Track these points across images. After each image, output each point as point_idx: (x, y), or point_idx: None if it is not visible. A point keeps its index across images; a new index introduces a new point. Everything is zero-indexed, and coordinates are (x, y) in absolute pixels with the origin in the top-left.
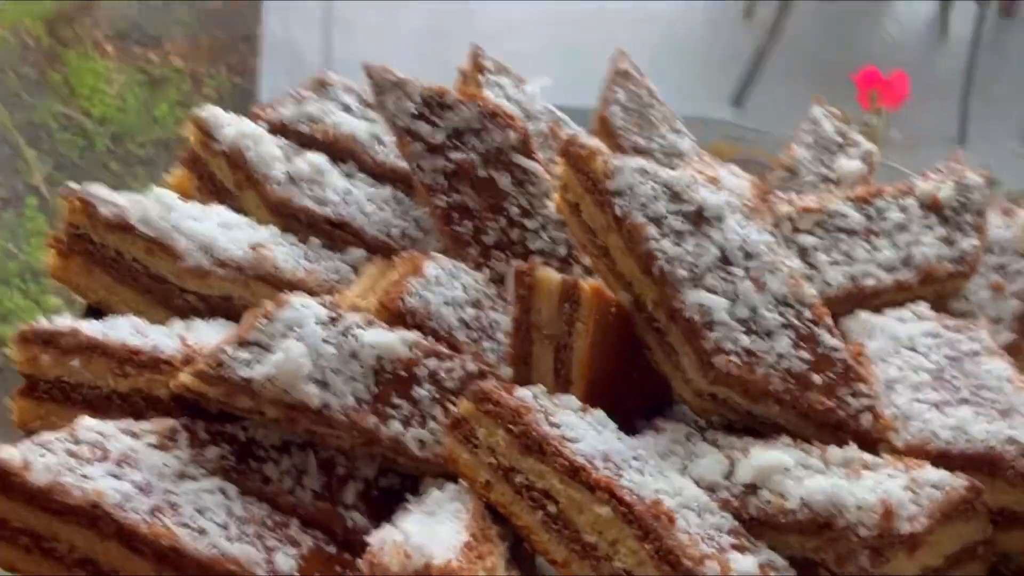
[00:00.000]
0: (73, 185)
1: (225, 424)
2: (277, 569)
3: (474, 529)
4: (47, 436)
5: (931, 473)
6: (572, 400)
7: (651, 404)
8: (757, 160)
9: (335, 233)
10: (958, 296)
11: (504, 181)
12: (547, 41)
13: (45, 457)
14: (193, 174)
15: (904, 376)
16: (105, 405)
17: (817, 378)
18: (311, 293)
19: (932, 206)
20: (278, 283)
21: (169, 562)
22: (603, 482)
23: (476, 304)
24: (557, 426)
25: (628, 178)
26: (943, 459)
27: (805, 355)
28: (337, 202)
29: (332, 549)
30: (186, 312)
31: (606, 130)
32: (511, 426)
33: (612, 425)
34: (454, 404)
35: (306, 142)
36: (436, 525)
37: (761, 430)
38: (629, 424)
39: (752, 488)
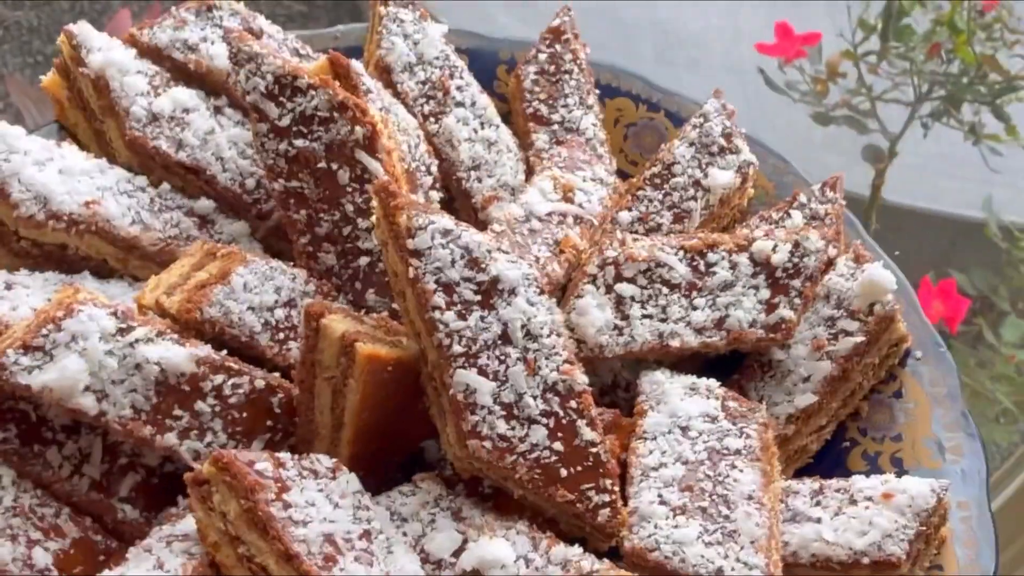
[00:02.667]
0: None
1: (20, 400)
2: (33, 563)
3: None
4: None
5: None
6: (323, 461)
7: (426, 436)
8: (657, 127)
9: (188, 178)
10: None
11: (344, 176)
12: None
13: None
14: (64, 82)
15: (663, 464)
16: None
17: (564, 471)
18: (144, 251)
19: (764, 265)
20: (111, 239)
21: None
22: (312, 573)
23: (289, 303)
24: (288, 506)
25: (428, 240)
26: (658, 571)
27: (559, 447)
28: (195, 145)
29: (99, 538)
30: (21, 255)
31: (517, 88)
32: (243, 500)
33: (355, 491)
34: (236, 418)
35: (179, 70)
36: None
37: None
38: (411, 448)
39: (474, 574)
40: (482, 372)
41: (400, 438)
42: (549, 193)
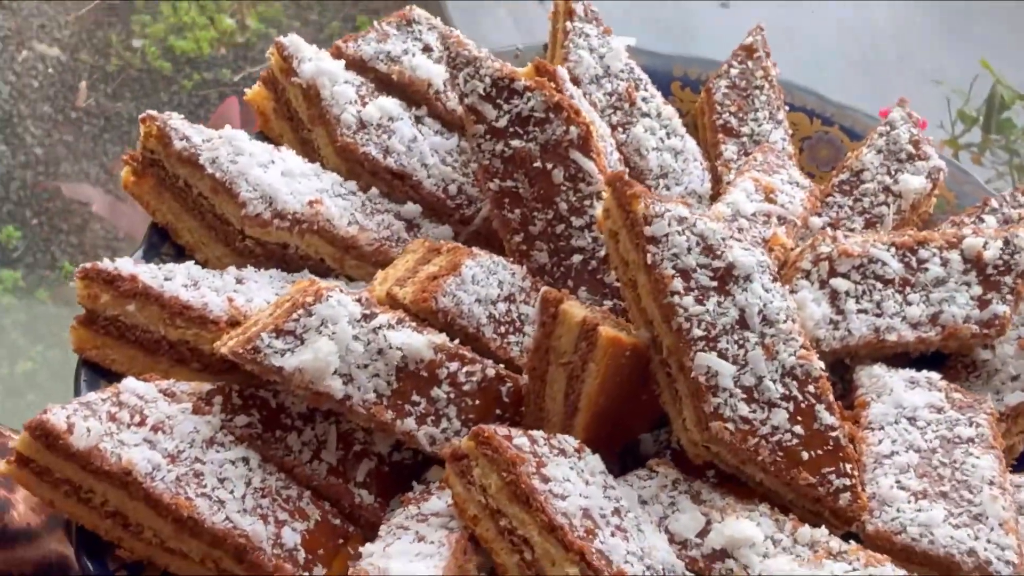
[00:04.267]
0: (154, 113)
1: (259, 388)
2: (283, 543)
3: (452, 569)
4: (93, 396)
5: (886, 572)
6: (569, 441)
7: (653, 426)
8: (832, 141)
9: (394, 183)
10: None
11: (558, 175)
12: None
13: (88, 421)
14: (270, 93)
15: (895, 452)
16: (155, 348)
17: (806, 454)
18: (361, 251)
19: (975, 262)
20: (331, 238)
21: (187, 528)
22: (576, 545)
23: (509, 298)
24: (547, 480)
25: (666, 226)
26: (904, 554)
27: (799, 430)
28: (401, 152)
29: (337, 521)
30: (244, 253)
31: (708, 100)
32: (504, 473)
33: (601, 471)
34: (469, 405)
35: (382, 81)
36: (415, 562)
37: (748, 483)
38: (628, 439)
39: (721, 554)
40: (722, 355)
41: (623, 427)
42: (752, 194)
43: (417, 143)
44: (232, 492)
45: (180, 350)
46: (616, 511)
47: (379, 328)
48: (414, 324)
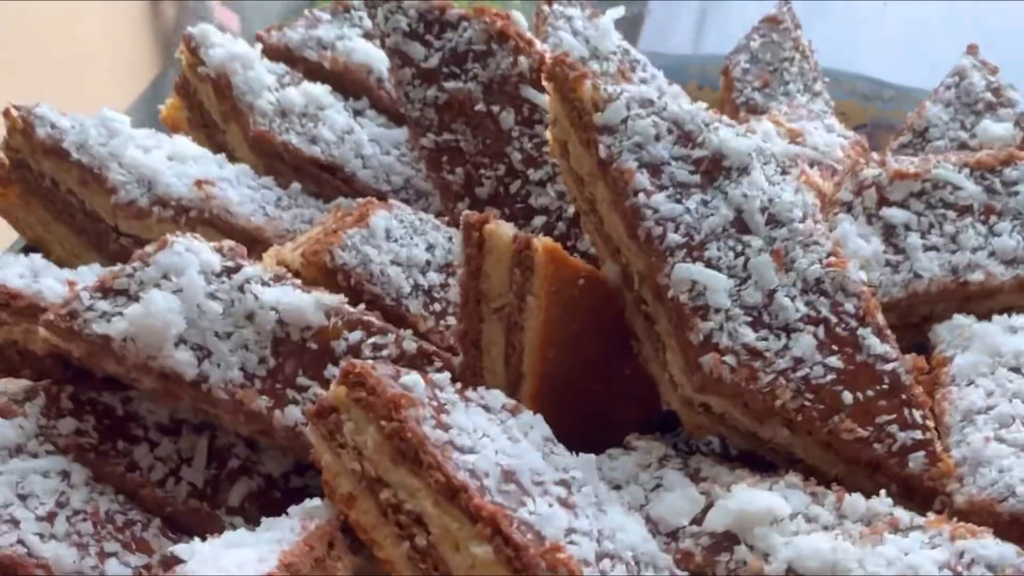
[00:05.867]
0: (19, 102)
1: (104, 392)
2: None
3: (296, 556)
4: None
5: (989, 547)
6: (496, 396)
7: (650, 418)
8: (894, 125)
9: (323, 178)
10: None
11: (507, 119)
12: None
13: None
14: (183, 102)
15: (992, 406)
16: None
17: (849, 396)
18: (266, 244)
19: None
20: (228, 229)
21: None
22: (486, 511)
23: (445, 269)
24: (446, 428)
25: (623, 110)
26: (1016, 526)
27: (836, 363)
28: (331, 141)
29: None
30: (121, 258)
31: (726, 81)
32: (383, 422)
33: (543, 432)
34: None
35: (312, 72)
36: (233, 552)
37: (774, 463)
38: (613, 433)
39: (727, 540)
40: (711, 266)
41: (600, 413)
42: (773, 136)
43: (352, 134)
44: (35, 511)
45: (8, 355)
46: (562, 482)
47: (246, 283)
48: (299, 282)
